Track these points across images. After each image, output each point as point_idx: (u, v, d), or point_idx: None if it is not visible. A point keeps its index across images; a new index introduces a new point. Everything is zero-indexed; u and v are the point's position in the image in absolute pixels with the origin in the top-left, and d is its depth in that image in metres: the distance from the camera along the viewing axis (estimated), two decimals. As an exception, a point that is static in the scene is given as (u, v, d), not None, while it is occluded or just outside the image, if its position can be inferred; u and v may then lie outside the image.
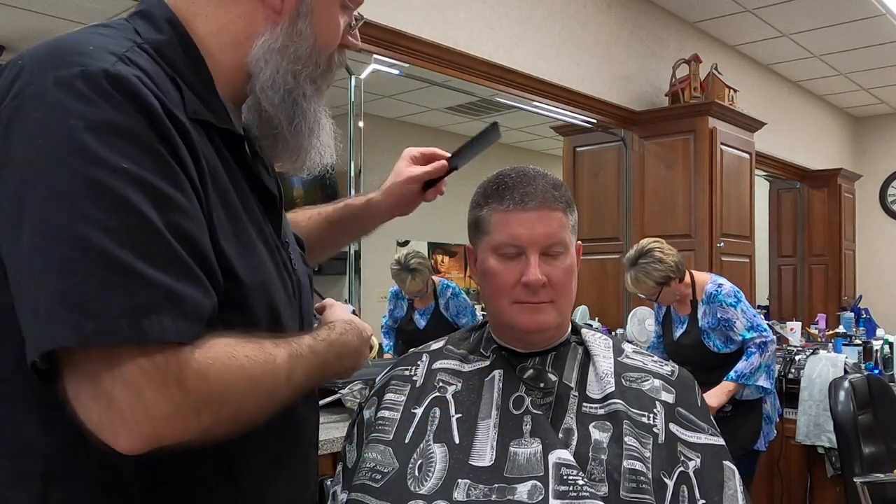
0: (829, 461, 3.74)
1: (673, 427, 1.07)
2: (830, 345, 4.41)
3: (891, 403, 3.09)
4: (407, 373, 1.17)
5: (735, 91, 4.31)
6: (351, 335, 0.92)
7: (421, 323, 3.52)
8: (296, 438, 0.92)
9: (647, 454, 1.03)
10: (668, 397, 1.10)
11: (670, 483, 1.02)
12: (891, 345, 4.12)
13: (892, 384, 3.39)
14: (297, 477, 0.93)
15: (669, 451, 1.05)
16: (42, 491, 0.71)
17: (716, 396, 2.89)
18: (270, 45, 0.84)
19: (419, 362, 1.17)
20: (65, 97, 0.66)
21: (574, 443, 1.03)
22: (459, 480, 1.01)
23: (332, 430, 2.15)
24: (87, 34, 0.74)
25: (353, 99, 2.87)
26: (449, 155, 1.19)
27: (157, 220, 0.66)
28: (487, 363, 1.14)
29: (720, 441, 1.11)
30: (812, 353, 3.98)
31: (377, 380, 1.20)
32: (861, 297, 5.90)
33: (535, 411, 1.06)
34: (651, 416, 1.07)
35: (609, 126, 4.12)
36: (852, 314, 5.20)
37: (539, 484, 0.98)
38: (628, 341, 1.25)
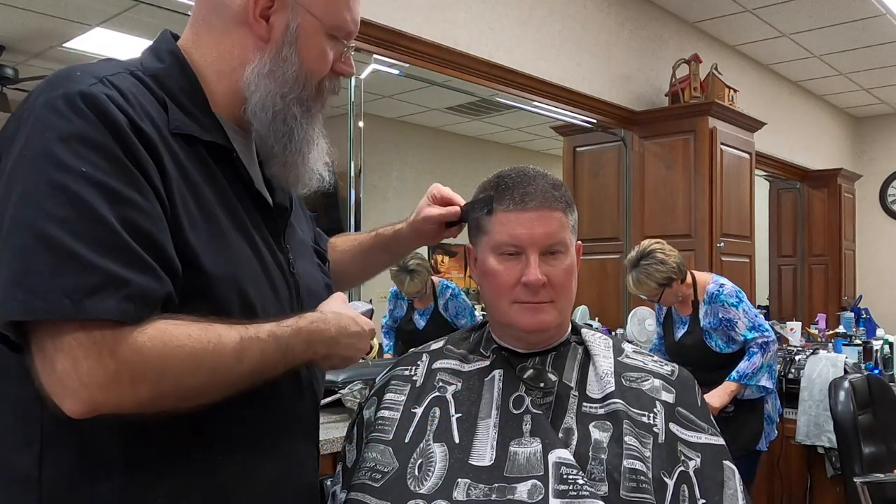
0: (829, 461, 3.74)
1: (673, 427, 1.07)
2: (830, 345, 4.41)
3: (891, 403, 3.09)
4: (407, 373, 1.17)
5: (735, 91, 4.31)
6: (328, 324, 0.94)
7: (420, 323, 3.52)
8: (284, 429, 0.98)
9: (648, 454, 1.03)
10: (669, 397, 1.10)
11: (670, 483, 1.02)
12: (891, 345, 4.12)
13: (892, 384, 3.39)
14: (281, 468, 0.97)
15: (670, 450, 1.05)
16: (40, 454, 0.82)
17: (718, 397, 2.89)
18: (259, 70, 0.95)
19: (419, 362, 1.18)
20: (47, 115, 0.79)
21: (574, 442, 1.03)
22: (459, 480, 1.01)
23: (332, 430, 2.15)
24: (89, 64, 0.88)
25: (353, 99, 2.87)
26: (463, 203, 1.20)
27: (109, 215, 0.77)
28: (487, 363, 1.14)
29: (720, 441, 1.11)
30: (812, 353, 3.98)
31: (377, 380, 1.20)
32: (861, 297, 5.90)
33: (535, 411, 1.06)
34: (651, 415, 1.07)
35: (609, 126, 4.12)
36: (852, 314, 5.20)
37: (539, 483, 0.98)
38: (628, 341, 1.25)
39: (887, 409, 3.05)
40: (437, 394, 1.11)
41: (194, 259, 0.84)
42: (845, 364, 3.76)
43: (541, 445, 1.02)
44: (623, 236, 4.16)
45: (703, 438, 1.09)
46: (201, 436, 0.88)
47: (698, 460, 1.06)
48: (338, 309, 1.00)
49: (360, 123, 2.90)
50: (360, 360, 2.89)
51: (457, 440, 1.05)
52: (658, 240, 3.03)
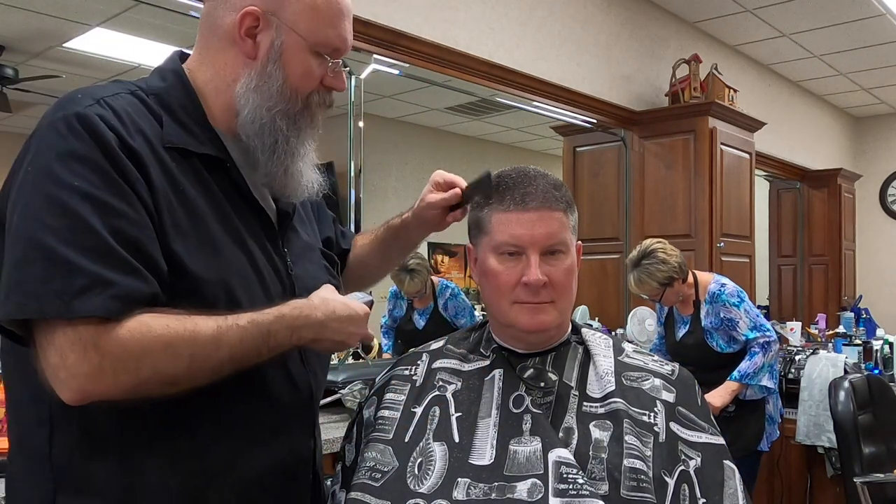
0: (829, 461, 3.74)
1: (673, 426, 1.07)
2: (830, 345, 4.41)
3: (891, 403, 3.09)
4: (407, 372, 1.17)
5: (735, 91, 4.31)
6: (314, 310, 0.98)
7: (420, 323, 3.53)
8: (274, 422, 1.03)
9: (648, 453, 1.03)
10: (669, 396, 1.10)
11: (671, 482, 1.02)
12: (891, 345, 4.13)
13: (892, 384, 3.39)
14: (270, 456, 1.02)
15: (670, 449, 1.05)
16: (50, 434, 0.92)
17: (720, 396, 2.89)
18: (247, 85, 1.02)
19: (419, 362, 1.18)
20: (49, 135, 0.89)
21: (574, 442, 1.03)
22: (459, 479, 1.01)
23: (332, 430, 2.15)
24: (94, 86, 0.98)
25: (353, 99, 2.87)
26: (465, 184, 1.21)
27: (98, 224, 0.85)
28: (487, 362, 1.14)
29: (720, 440, 1.11)
30: (812, 353, 3.98)
31: (377, 379, 1.20)
32: (861, 297, 5.90)
33: (535, 410, 1.06)
34: (652, 414, 1.07)
35: (609, 126, 4.12)
36: (852, 314, 5.19)
37: (539, 482, 0.98)
38: (628, 341, 1.25)
39: (887, 409, 3.05)
40: (436, 393, 1.11)
41: (180, 263, 0.92)
42: (845, 364, 3.76)
43: (541, 444, 1.02)
44: (623, 236, 4.16)
45: (704, 438, 1.09)
46: (191, 423, 0.95)
47: (699, 460, 1.06)
48: (327, 296, 1.02)
49: (360, 123, 2.90)
50: (360, 360, 2.91)
51: (457, 439, 1.05)
52: (659, 239, 3.03)
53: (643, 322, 3.59)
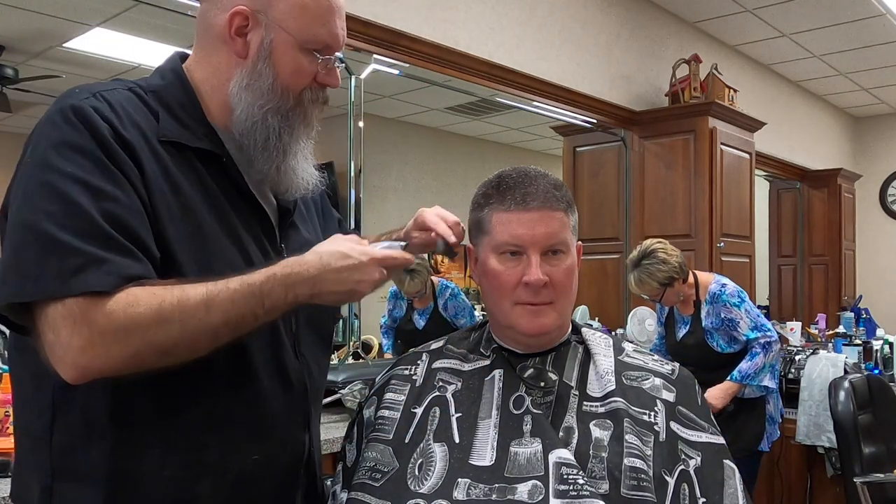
0: (829, 461, 3.74)
1: (674, 425, 1.07)
2: (830, 345, 4.41)
3: (891, 403, 3.09)
4: (407, 372, 1.17)
5: (735, 91, 4.31)
6: (305, 265, 0.96)
7: (420, 323, 3.52)
8: (267, 417, 1.03)
9: (649, 452, 1.03)
10: (669, 396, 1.10)
11: (671, 481, 1.02)
12: (891, 345, 4.12)
13: (892, 384, 3.38)
14: (262, 452, 1.03)
15: (670, 449, 1.05)
16: (51, 420, 0.95)
17: (719, 398, 2.89)
18: (239, 83, 1.04)
19: (419, 362, 1.18)
20: (46, 127, 0.93)
21: (575, 441, 1.03)
22: (459, 480, 1.01)
23: (332, 430, 2.15)
24: (93, 83, 1.00)
25: (353, 99, 2.86)
26: (442, 232, 1.14)
27: (91, 208, 0.87)
28: (487, 362, 1.14)
29: (720, 440, 1.11)
30: (812, 353, 3.97)
31: (377, 379, 1.20)
32: (861, 297, 5.90)
33: (535, 411, 1.06)
34: (652, 414, 1.07)
35: (609, 126, 4.12)
36: (852, 314, 5.19)
37: (539, 483, 0.98)
38: (628, 341, 1.25)
39: (887, 409, 3.05)
40: (437, 393, 1.11)
41: (170, 252, 0.94)
42: (845, 364, 3.76)
43: (541, 446, 1.02)
44: (623, 236, 4.16)
45: (704, 437, 1.09)
46: (184, 413, 0.97)
47: (699, 459, 1.06)
48: (329, 248, 0.99)
49: (360, 123, 2.89)
50: (360, 361, 2.90)
51: (457, 440, 1.05)
52: (660, 239, 3.03)
53: (643, 322, 3.59)
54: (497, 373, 1.12)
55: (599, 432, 1.04)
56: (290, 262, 0.97)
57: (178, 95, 1.04)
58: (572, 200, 1.14)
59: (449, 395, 1.10)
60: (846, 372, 3.60)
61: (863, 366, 3.94)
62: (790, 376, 3.92)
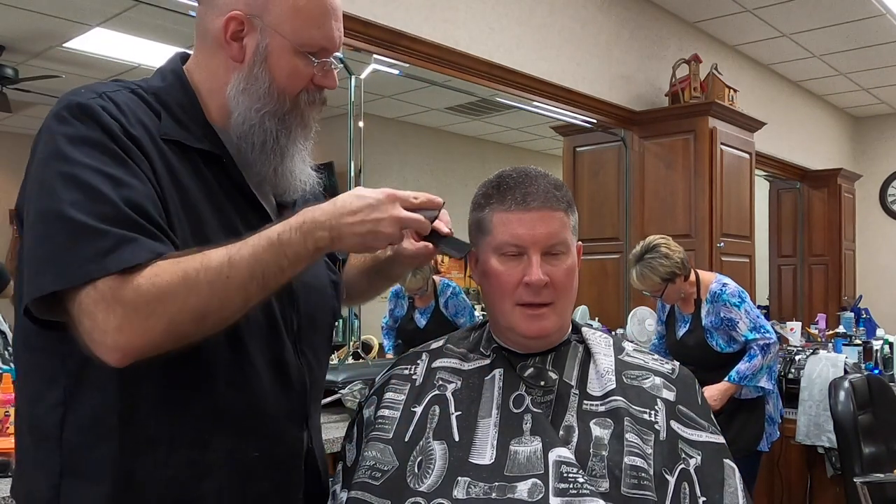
0: (829, 461, 3.74)
1: (674, 424, 1.08)
2: (830, 345, 4.41)
3: (891, 403, 3.09)
4: (406, 372, 1.17)
5: (735, 91, 4.31)
6: (319, 210, 0.96)
7: (421, 322, 3.53)
8: (267, 414, 1.04)
9: (649, 451, 1.03)
10: (669, 395, 1.10)
11: (671, 480, 1.02)
12: (891, 345, 4.13)
13: (892, 384, 3.39)
14: (262, 448, 1.04)
15: (671, 448, 1.05)
16: (62, 418, 0.96)
17: (716, 398, 2.88)
18: (236, 87, 1.05)
19: (419, 361, 1.18)
20: (55, 123, 0.94)
21: (575, 440, 1.03)
22: (459, 478, 1.01)
23: (332, 430, 2.15)
24: (95, 83, 1.02)
25: (353, 99, 2.87)
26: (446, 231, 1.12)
27: (113, 195, 0.89)
28: (487, 362, 1.14)
29: (720, 439, 1.11)
30: (812, 353, 3.98)
31: (377, 379, 1.20)
32: (861, 297, 5.90)
33: (535, 410, 1.06)
34: (652, 412, 1.07)
35: (609, 126, 4.12)
36: (852, 314, 5.20)
37: (539, 482, 0.98)
38: (629, 341, 1.25)
39: (887, 409, 3.05)
40: (436, 392, 1.11)
41: (173, 245, 0.94)
42: (845, 364, 3.76)
43: (541, 444, 1.02)
44: (623, 236, 4.16)
45: (704, 437, 1.09)
46: (185, 414, 0.98)
47: (699, 458, 1.06)
48: (340, 196, 0.99)
49: (360, 123, 2.89)
50: (360, 361, 2.90)
51: (456, 438, 1.05)
52: (663, 235, 3.04)
53: (643, 322, 3.59)
54: (497, 372, 1.12)
55: (600, 431, 1.04)
56: (306, 210, 0.97)
57: (179, 97, 1.05)
58: (572, 200, 1.14)
59: (449, 394, 1.11)
60: (846, 372, 3.60)
61: (863, 366, 3.94)
62: (790, 376, 3.92)
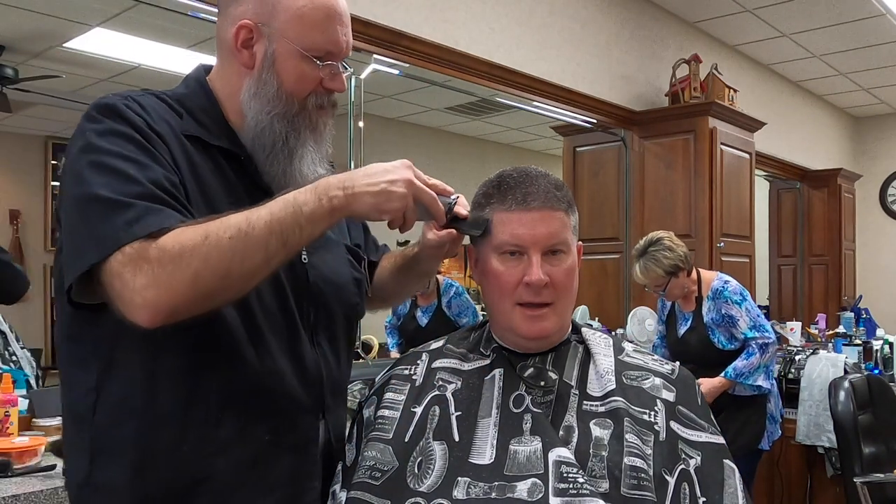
0: (829, 461, 3.74)
1: (674, 425, 1.08)
2: (830, 345, 4.41)
3: (891, 403, 3.09)
4: (406, 372, 1.17)
5: (735, 91, 4.31)
6: (332, 177, 1.00)
7: (423, 321, 3.53)
8: (280, 399, 1.08)
9: (649, 451, 1.03)
10: (669, 395, 1.11)
11: (671, 480, 1.02)
12: (891, 345, 4.13)
13: (892, 384, 3.39)
14: (274, 431, 1.08)
15: (671, 448, 1.05)
16: (95, 401, 1.03)
17: (709, 393, 2.88)
18: (248, 92, 1.10)
19: (419, 361, 1.18)
20: (84, 124, 1.02)
21: (575, 440, 1.03)
22: (459, 478, 1.01)
23: (332, 430, 2.14)
24: (122, 91, 1.08)
25: (353, 99, 2.87)
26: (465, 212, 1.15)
27: (139, 175, 0.96)
28: (487, 362, 1.14)
29: (720, 440, 1.11)
30: (812, 353, 3.98)
31: (377, 379, 1.21)
32: (861, 297, 5.90)
33: (535, 410, 1.06)
34: (652, 413, 1.07)
35: (609, 126, 4.12)
36: (852, 314, 5.20)
37: (539, 482, 0.98)
38: (629, 341, 1.25)
39: (887, 409, 3.05)
40: (436, 392, 1.11)
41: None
42: (845, 364, 3.76)
43: (541, 444, 1.02)
44: (623, 236, 4.16)
45: (704, 437, 1.09)
46: (200, 391, 1.03)
47: (699, 458, 1.06)
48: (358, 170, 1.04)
49: (360, 123, 2.90)
50: (360, 360, 2.90)
51: (456, 438, 1.05)
52: (666, 230, 3.05)
53: (643, 322, 3.59)
54: (497, 372, 1.12)
55: (599, 431, 1.04)
56: (322, 176, 1.04)
57: (201, 101, 1.12)
58: (573, 200, 1.15)
59: (449, 394, 1.11)
60: (846, 372, 3.60)
61: (863, 366, 3.94)
62: (790, 376, 3.93)
